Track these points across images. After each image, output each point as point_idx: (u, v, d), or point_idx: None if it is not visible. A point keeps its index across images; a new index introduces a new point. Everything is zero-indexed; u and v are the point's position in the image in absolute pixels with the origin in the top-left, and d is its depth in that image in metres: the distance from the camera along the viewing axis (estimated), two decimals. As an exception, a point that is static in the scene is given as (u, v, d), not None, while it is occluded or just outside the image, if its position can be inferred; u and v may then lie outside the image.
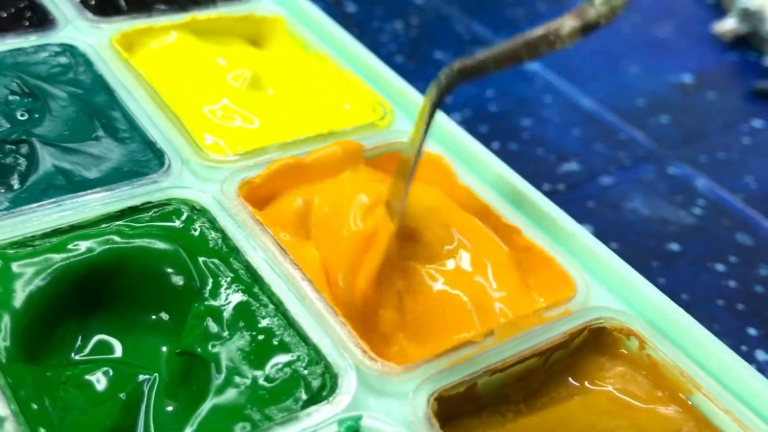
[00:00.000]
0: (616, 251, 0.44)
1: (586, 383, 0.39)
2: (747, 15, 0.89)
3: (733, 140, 0.76)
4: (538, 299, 0.42)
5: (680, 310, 0.40)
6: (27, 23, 0.54)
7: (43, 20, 0.53)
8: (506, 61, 0.37)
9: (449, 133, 0.49)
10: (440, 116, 0.51)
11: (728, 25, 0.90)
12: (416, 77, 0.56)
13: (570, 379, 0.39)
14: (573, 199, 0.65)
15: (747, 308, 0.58)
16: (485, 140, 0.50)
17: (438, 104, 0.38)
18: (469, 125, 0.70)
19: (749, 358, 0.54)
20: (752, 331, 0.56)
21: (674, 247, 0.63)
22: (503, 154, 0.49)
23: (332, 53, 0.56)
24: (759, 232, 0.65)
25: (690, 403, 0.38)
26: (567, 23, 0.35)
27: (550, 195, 0.64)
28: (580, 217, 0.64)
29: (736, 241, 0.64)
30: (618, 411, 0.38)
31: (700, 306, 0.58)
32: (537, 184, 0.47)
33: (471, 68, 0.37)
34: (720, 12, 0.95)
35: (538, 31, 0.36)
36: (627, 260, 0.43)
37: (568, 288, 0.41)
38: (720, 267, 0.61)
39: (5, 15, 0.55)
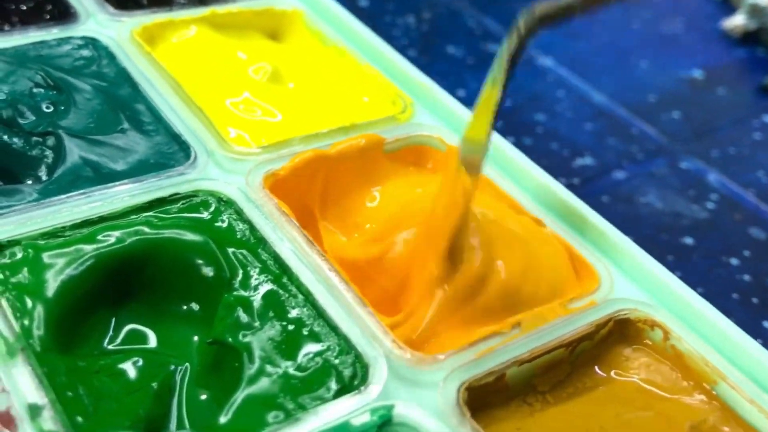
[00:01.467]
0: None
1: (612, 373, 0.40)
2: (756, 11, 0.90)
3: (744, 135, 0.77)
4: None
5: (703, 301, 0.41)
6: (48, 16, 0.54)
7: (64, 13, 0.54)
8: (592, 2, 0.35)
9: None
10: (460, 108, 0.51)
11: (737, 21, 0.91)
12: (429, 71, 0.57)
13: (596, 369, 0.40)
14: (587, 193, 0.66)
15: (761, 302, 0.58)
16: (500, 135, 0.51)
17: (518, 53, 0.35)
18: (484, 120, 0.71)
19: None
20: (767, 324, 0.56)
21: (688, 241, 0.63)
22: (518, 149, 0.49)
23: (350, 47, 0.56)
24: (772, 227, 0.65)
25: (715, 393, 0.38)
26: None
27: (566, 189, 0.65)
28: (594, 210, 0.64)
29: (749, 235, 0.64)
30: (643, 401, 0.39)
31: (714, 300, 0.57)
32: (553, 178, 0.48)
33: (553, 13, 0.34)
34: (729, 8, 0.95)
35: None
36: (642, 254, 0.43)
37: (592, 280, 0.41)
38: (734, 261, 0.62)
39: (25, 8, 0.55)
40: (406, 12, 0.85)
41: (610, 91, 0.78)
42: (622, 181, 0.68)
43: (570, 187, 0.65)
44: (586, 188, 0.66)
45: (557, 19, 0.35)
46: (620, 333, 0.40)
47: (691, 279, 0.59)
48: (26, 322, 0.35)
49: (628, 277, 0.42)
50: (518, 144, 0.69)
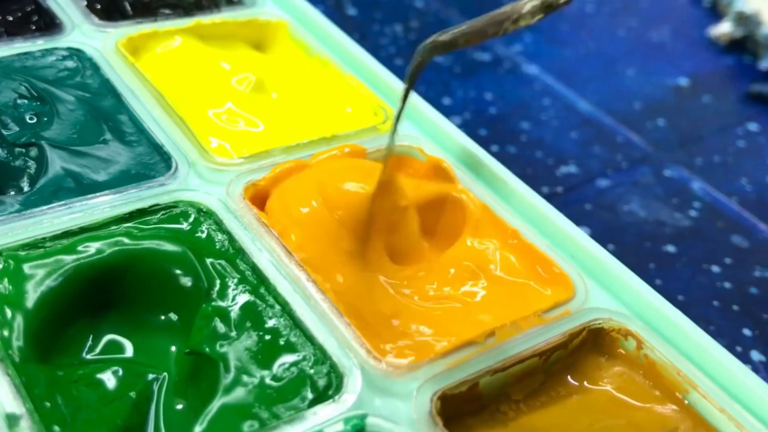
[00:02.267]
0: (613, 253, 0.44)
1: (585, 383, 0.40)
2: (742, 19, 0.90)
3: (729, 143, 0.77)
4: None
5: (677, 312, 0.41)
6: (34, 27, 0.55)
7: (50, 24, 0.54)
8: (475, 38, 0.40)
9: (450, 136, 0.50)
10: (442, 120, 0.52)
11: (724, 28, 0.92)
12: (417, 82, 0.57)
13: (569, 378, 0.40)
14: (571, 201, 0.66)
15: (742, 309, 0.59)
16: (485, 143, 0.51)
17: (415, 78, 0.42)
18: (469, 128, 0.71)
19: (744, 358, 0.55)
20: (747, 332, 0.57)
21: (670, 248, 0.64)
22: (502, 157, 0.50)
23: (334, 57, 0.57)
24: (754, 234, 0.66)
25: (686, 402, 0.39)
26: (529, 2, 0.39)
27: (549, 197, 0.66)
28: (577, 219, 0.64)
29: (731, 243, 0.65)
30: (616, 410, 0.39)
31: (695, 307, 0.59)
32: (536, 186, 0.48)
33: (443, 44, 0.40)
34: (716, 16, 0.96)
35: (504, 8, 0.39)
36: (624, 262, 0.44)
37: (567, 289, 0.42)
38: (715, 268, 0.62)
39: (12, 19, 0.55)
40: (394, 21, 0.85)
41: (596, 99, 0.79)
42: (606, 190, 0.68)
43: (554, 195, 0.67)
44: (570, 196, 0.67)
45: (446, 50, 0.41)
46: (594, 342, 0.41)
47: (672, 286, 0.60)
48: (5, 332, 0.35)
49: (603, 287, 0.43)
50: (503, 152, 0.70)
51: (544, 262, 0.43)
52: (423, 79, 0.75)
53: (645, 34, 0.92)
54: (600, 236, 0.63)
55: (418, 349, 0.39)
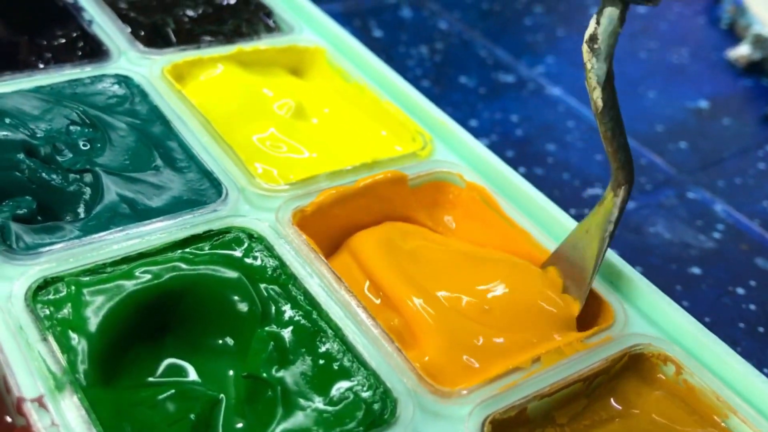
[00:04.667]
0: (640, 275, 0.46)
1: (627, 407, 0.41)
2: (760, 41, 0.92)
3: (749, 165, 0.79)
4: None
5: (714, 337, 0.43)
6: (80, 53, 0.56)
7: (96, 51, 0.56)
8: None
9: (489, 163, 0.52)
10: (479, 147, 0.53)
11: (742, 51, 0.93)
12: (442, 102, 0.59)
13: (611, 402, 0.41)
14: (597, 223, 0.67)
15: (767, 331, 0.60)
16: (512, 165, 0.52)
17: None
18: (496, 150, 0.72)
19: (771, 380, 0.56)
20: (773, 354, 0.58)
21: (696, 270, 0.65)
22: (530, 179, 0.51)
23: (371, 83, 0.58)
24: (777, 257, 0.67)
25: (725, 426, 0.40)
26: None
27: (577, 219, 0.67)
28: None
29: (755, 265, 0.66)
30: (656, 433, 0.40)
31: (722, 329, 0.59)
32: (564, 208, 0.49)
33: None
34: (734, 38, 0.97)
35: None
36: (651, 284, 0.45)
37: (608, 316, 0.43)
38: (740, 290, 0.64)
39: (57, 44, 0.57)
40: (419, 43, 0.87)
41: (619, 120, 0.80)
42: (632, 212, 0.70)
43: (581, 216, 0.68)
44: (597, 218, 0.68)
45: None
46: (634, 367, 0.42)
47: (698, 308, 0.61)
48: (72, 356, 0.36)
49: (642, 314, 0.44)
50: (530, 174, 0.71)
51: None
52: (449, 101, 0.77)
53: (665, 56, 0.93)
54: (627, 258, 0.64)
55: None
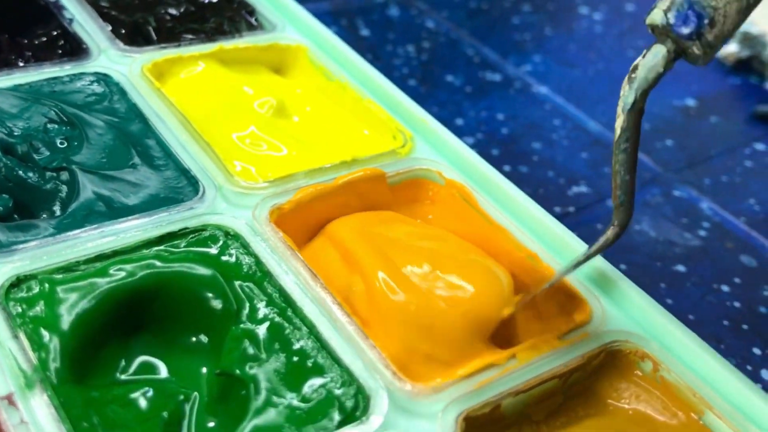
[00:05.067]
0: (624, 272, 0.46)
1: (603, 404, 0.41)
2: (748, 40, 0.92)
3: (736, 163, 0.78)
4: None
5: (692, 334, 0.42)
6: (61, 52, 0.56)
7: (76, 49, 0.56)
8: None
9: (469, 161, 0.51)
10: (457, 143, 0.53)
11: (730, 49, 0.93)
12: (428, 100, 0.59)
13: (587, 399, 0.41)
14: (583, 221, 0.67)
15: (751, 328, 0.60)
16: (497, 163, 0.52)
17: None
18: (482, 148, 0.73)
19: (754, 377, 0.56)
20: (757, 351, 0.58)
21: (680, 268, 0.65)
22: (515, 177, 0.51)
23: (353, 81, 0.58)
24: (762, 254, 0.67)
25: (702, 422, 0.40)
26: None
27: (562, 217, 0.67)
28: (589, 238, 0.65)
29: (740, 263, 0.66)
30: (633, 430, 0.40)
31: (706, 326, 0.60)
32: (548, 206, 0.49)
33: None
34: (722, 36, 0.97)
35: None
36: (635, 281, 0.45)
37: (585, 312, 0.43)
38: (725, 288, 0.63)
39: (38, 43, 0.57)
40: (406, 42, 0.87)
41: (606, 119, 0.80)
42: (617, 209, 0.69)
43: (565, 215, 0.68)
44: (582, 216, 0.68)
45: None
46: (611, 364, 0.42)
47: (683, 306, 0.61)
48: (43, 354, 0.36)
49: (620, 310, 0.44)
50: (515, 172, 0.71)
51: (563, 286, 0.44)
52: (435, 100, 0.77)
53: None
54: (612, 256, 0.64)
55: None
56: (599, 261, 0.46)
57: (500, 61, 0.87)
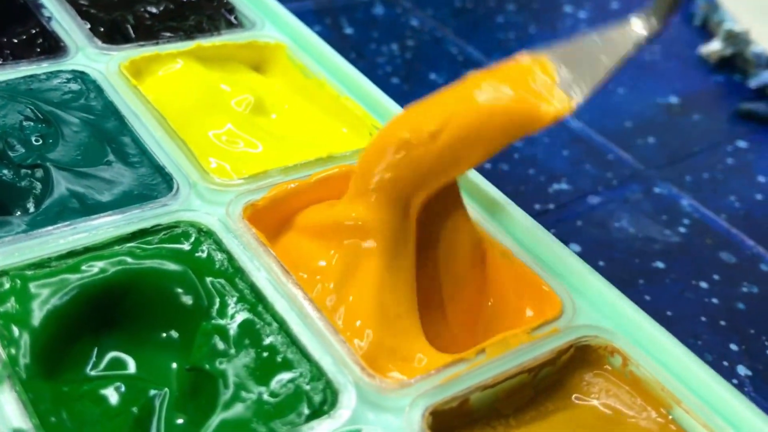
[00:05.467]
0: (602, 269, 0.46)
1: (573, 398, 0.42)
2: (732, 37, 0.92)
3: (718, 161, 0.79)
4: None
5: (661, 329, 0.43)
6: (39, 50, 0.56)
7: (54, 47, 0.56)
8: None
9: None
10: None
11: (714, 47, 0.93)
12: (412, 98, 0.58)
13: (557, 394, 0.42)
14: (562, 218, 0.68)
15: (729, 324, 0.60)
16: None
17: None
18: (463, 146, 0.73)
19: (731, 372, 0.56)
20: (734, 347, 0.58)
21: (659, 265, 0.65)
22: (496, 175, 0.52)
23: (331, 79, 0.58)
24: (741, 251, 0.67)
25: (671, 417, 0.40)
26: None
27: (541, 214, 0.67)
28: (568, 235, 0.66)
29: (719, 260, 0.66)
30: (602, 425, 0.40)
31: (684, 322, 0.60)
32: (528, 203, 0.50)
33: None
34: (706, 34, 0.98)
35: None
36: (613, 278, 0.45)
37: (555, 307, 0.43)
38: (703, 284, 0.64)
39: (17, 41, 0.57)
40: (390, 40, 0.87)
41: (587, 117, 0.81)
42: (597, 206, 0.70)
43: (545, 212, 0.68)
44: (561, 213, 0.68)
45: None
46: (581, 359, 0.42)
47: (661, 302, 0.62)
48: (13, 350, 0.36)
49: (590, 305, 0.44)
50: (495, 170, 0.72)
51: (532, 281, 0.45)
52: (419, 98, 0.77)
53: (636, 52, 0.94)
54: (591, 252, 0.65)
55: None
56: (571, 257, 0.46)
57: (484, 59, 0.87)
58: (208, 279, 0.41)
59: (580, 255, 0.46)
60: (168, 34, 0.59)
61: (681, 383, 0.41)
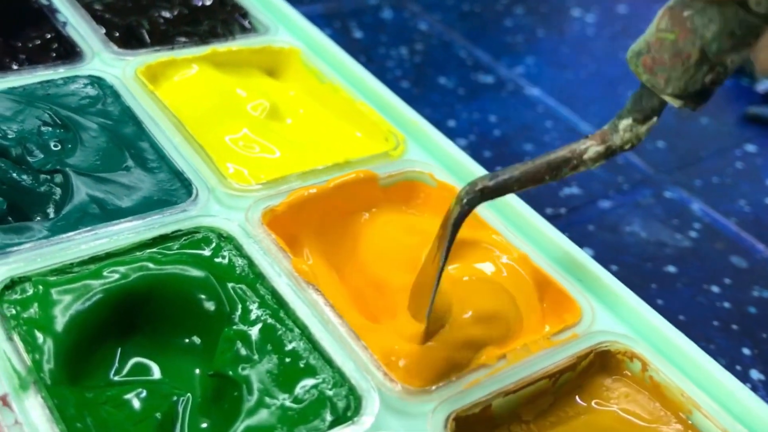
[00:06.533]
0: (615, 273, 0.46)
1: (592, 403, 0.42)
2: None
3: (727, 165, 0.79)
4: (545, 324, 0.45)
5: (680, 334, 0.43)
6: (54, 55, 0.56)
7: (70, 52, 0.56)
8: (528, 183, 0.38)
9: (460, 163, 0.52)
10: (448, 144, 0.53)
11: (721, 51, 0.93)
12: (421, 102, 0.59)
13: (577, 399, 0.42)
14: (574, 222, 0.68)
15: (741, 329, 0.61)
16: (489, 165, 0.52)
17: (460, 224, 0.38)
18: (474, 150, 0.73)
19: (744, 376, 0.56)
20: (746, 351, 0.59)
21: (671, 269, 0.65)
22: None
23: (345, 84, 0.58)
24: (752, 255, 0.68)
25: (690, 422, 0.40)
26: (591, 148, 0.36)
27: (553, 218, 0.68)
28: (580, 239, 0.66)
29: (730, 264, 0.67)
30: (622, 429, 0.41)
31: (696, 327, 0.60)
32: (540, 207, 0.50)
33: (492, 189, 0.38)
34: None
35: (561, 152, 0.37)
36: (626, 282, 0.45)
37: (574, 313, 0.43)
38: (715, 289, 0.64)
39: (32, 46, 0.57)
40: (399, 44, 0.87)
41: (597, 120, 0.81)
42: (608, 211, 0.70)
43: (557, 216, 0.68)
44: (573, 217, 0.69)
45: (495, 195, 0.38)
46: (601, 364, 0.42)
47: (673, 306, 0.62)
48: (37, 356, 0.37)
49: (609, 311, 0.44)
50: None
51: (552, 286, 0.45)
52: (428, 102, 0.77)
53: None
54: (603, 257, 0.65)
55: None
56: (590, 263, 0.46)
57: (493, 63, 0.87)
58: (230, 285, 0.42)
59: (593, 259, 0.46)
60: (183, 39, 0.59)
61: (700, 388, 0.41)
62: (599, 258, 0.46)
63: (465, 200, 0.38)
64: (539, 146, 0.76)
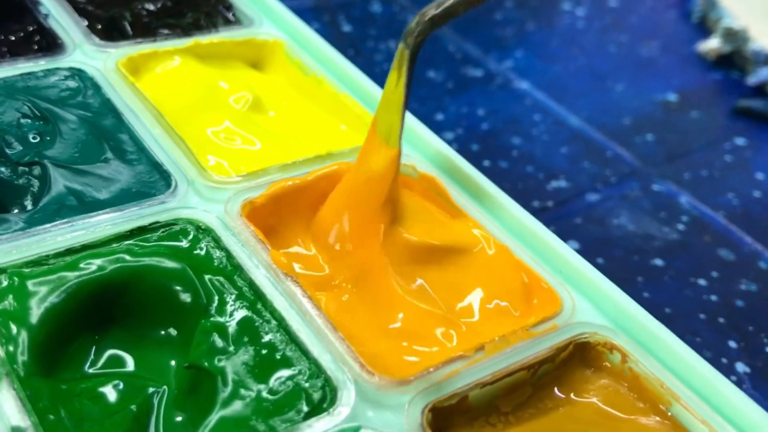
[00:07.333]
0: (601, 266, 0.46)
1: (572, 395, 0.42)
2: (730, 35, 0.92)
3: (716, 158, 0.79)
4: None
5: (660, 325, 0.43)
6: (36, 47, 0.56)
7: (51, 44, 0.56)
8: (474, 2, 0.39)
9: (441, 153, 0.52)
10: (431, 136, 0.53)
11: (712, 44, 0.93)
12: (410, 96, 0.59)
13: (556, 390, 0.42)
14: (561, 215, 0.68)
15: (728, 322, 0.60)
16: (476, 158, 0.53)
17: (416, 56, 0.40)
18: (462, 144, 0.73)
19: (729, 369, 0.56)
20: (732, 344, 0.58)
21: (658, 262, 0.65)
22: (494, 172, 0.51)
23: (330, 76, 0.58)
24: (740, 248, 0.67)
25: (670, 414, 0.40)
26: None
27: (540, 211, 0.67)
28: (567, 233, 0.66)
29: (718, 257, 0.66)
30: (601, 422, 0.40)
31: (682, 320, 0.60)
32: (527, 200, 0.49)
33: (441, 16, 0.39)
34: (704, 32, 0.98)
35: None
36: (612, 275, 0.45)
37: (554, 304, 0.43)
38: (702, 282, 0.64)
39: (14, 38, 0.57)
40: (388, 37, 0.87)
41: (586, 114, 0.81)
42: (596, 204, 0.70)
43: (544, 209, 0.68)
44: (560, 210, 0.68)
45: (445, 21, 0.40)
46: (580, 356, 0.42)
47: (660, 299, 0.62)
48: (11, 348, 0.36)
49: (590, 302, 0.44)
50: (494, 167, 0.71)
51: (532, 277, 0.45)
52: (416, 96, 0.77)
53: (634, 49, 0.94)
54: (589, 250, 0.65)
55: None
56: (570, 254, 0.46)
57: (482, 56, 0.87)
58: (207, 276, 0.41)
59: (579, 252, 0.46)
60: (166, 32, 0.59)
61: (680, 380, 0.41)
62: (586, 251, 0.46)
63: (416, 32, 0.39)
64: (527, 139, 0.75)
